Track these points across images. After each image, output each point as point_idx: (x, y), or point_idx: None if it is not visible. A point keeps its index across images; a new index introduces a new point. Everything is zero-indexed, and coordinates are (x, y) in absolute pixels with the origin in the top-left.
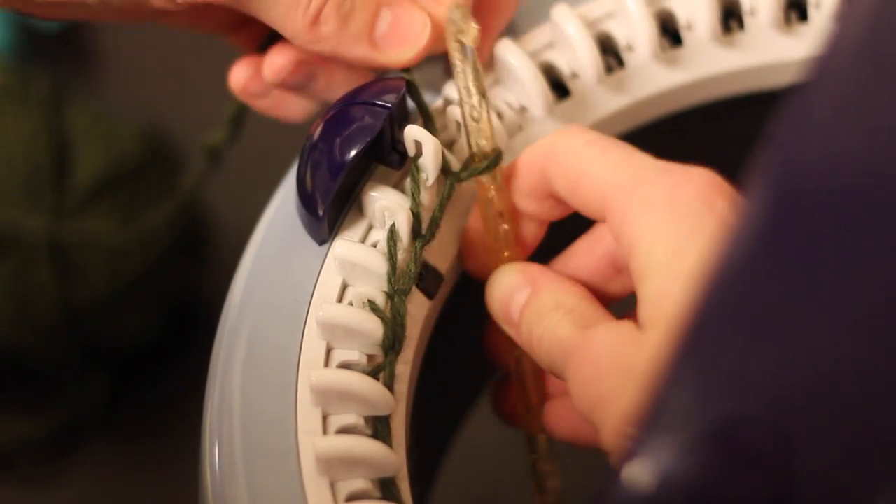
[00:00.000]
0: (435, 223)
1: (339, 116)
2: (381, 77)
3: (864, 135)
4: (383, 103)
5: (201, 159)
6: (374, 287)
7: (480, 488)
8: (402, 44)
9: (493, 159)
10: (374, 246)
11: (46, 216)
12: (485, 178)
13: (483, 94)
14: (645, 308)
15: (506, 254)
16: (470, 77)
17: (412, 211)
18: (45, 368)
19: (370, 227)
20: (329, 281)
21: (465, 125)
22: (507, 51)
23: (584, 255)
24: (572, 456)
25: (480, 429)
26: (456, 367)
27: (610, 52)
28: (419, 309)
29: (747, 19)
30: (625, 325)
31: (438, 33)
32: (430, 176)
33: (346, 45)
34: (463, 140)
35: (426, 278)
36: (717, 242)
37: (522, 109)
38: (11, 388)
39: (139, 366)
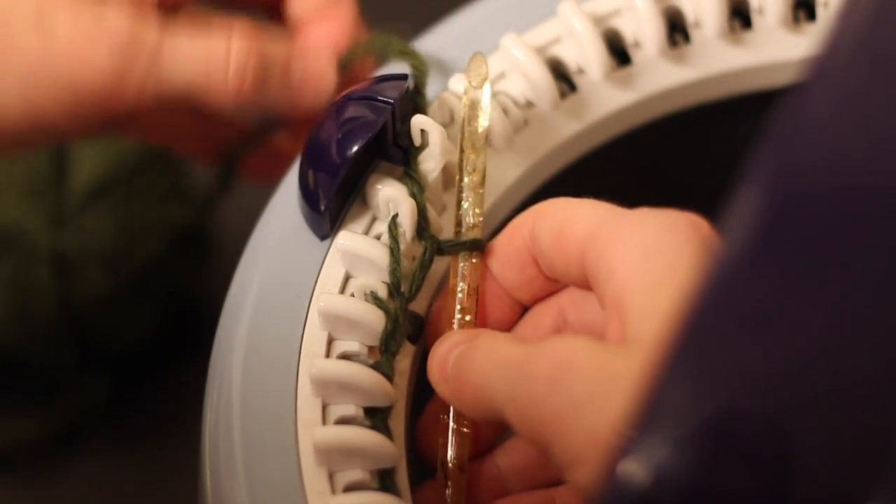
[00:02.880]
0: (416, 285)
1: (341, 111)
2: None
3: (862, 134)
4: (386, 98)
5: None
6: (377, 279)
7: None
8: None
9: (477, 242)
10: (378, 238)
11: (46, 216)
12: (463, 263)
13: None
14: (632, 323)
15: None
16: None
17: (416, 202)
18: (44, 368)
19: (374, 220)
20: (332, 272)
21: (459, 199)
22: (514, 45)
23: (526, 329)
24: None
25: None
26: None
27: (617, 49)
28: (421, 304)
29: (755, 17)
30: (583, 337)
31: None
32: (436, 166)
33: None
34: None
35: (409, 324)
36: (706, 261)
37: (528, 104)
38: (11, 389)
39: (139, 366)
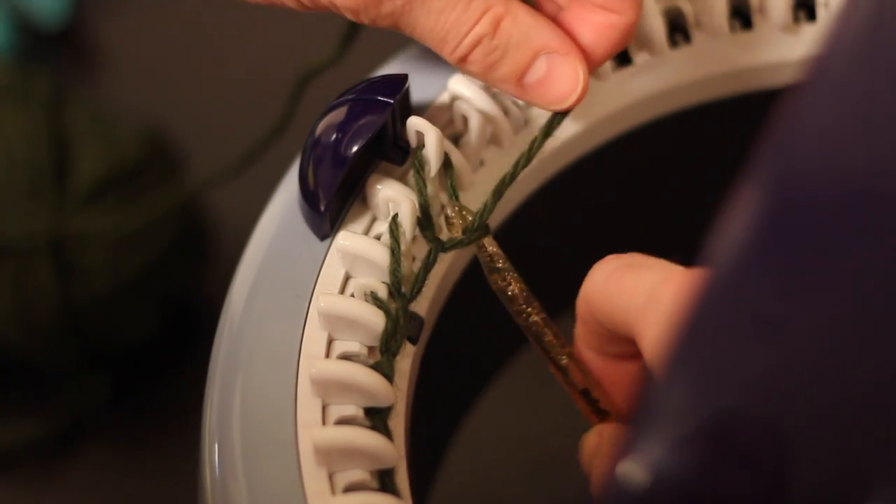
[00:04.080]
0: (418, 286)
1: (341, 112)
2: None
3: (862, 135)
4: (386, 99)
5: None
6: (377, 279)
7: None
8: (551, 96)
9: (478, 229)
10: (378, 238)
11: (46, 216)
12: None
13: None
14: None
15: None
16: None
17: (418, 203)
18: (45, 368)
19: (374, 220)
20: (331, 272)
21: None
22: None
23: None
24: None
25: (481, 428)
26: (457, 366)
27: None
28: (422, 304)
29: (756, 18)
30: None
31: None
32: (432, 168)
33: (492, 80)
34: (469, 135)
35: (409, 325)
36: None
37: (527, 105)
38: (11, 388)
39: (139, 365)
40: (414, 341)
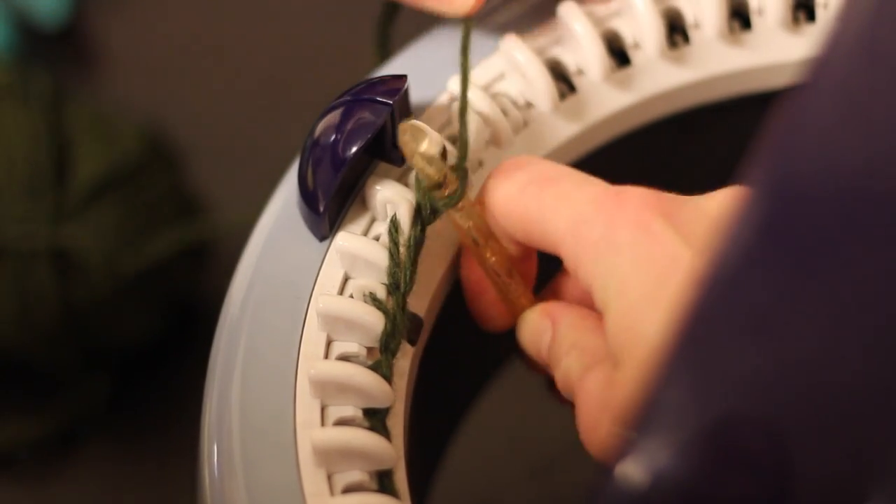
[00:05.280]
0: (410, 275)
1: (340, 113)
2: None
3: (862, 136)
4: (385, 100)
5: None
6: (376, 280)
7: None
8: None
9: (456, 194)
10: (377, 239)
11: (46, 216)
12: (461, 220)
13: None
14: (611, 347)
15: (523, 301)
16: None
17: (416, 203)
18: (45, 368)
19: (373, 221)
20: (330, 273)
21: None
22: (513, 46)
23: (567, 288)
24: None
25: (481, 428)
26: (457, 366)
27: (616, 50)
28: (420, 305)
29: (755, 19)
30: (605, 370)
31: None
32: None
33: None
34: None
35: (408, 326)
36: (663, 263)
37: (527, 105)
38: (12, 388)
39: (139, 366)
40: (413, 342)
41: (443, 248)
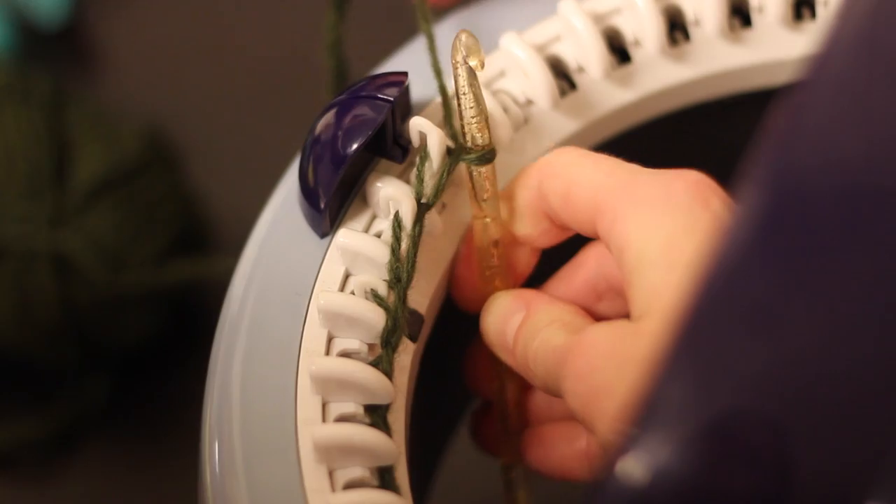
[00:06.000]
0: (410, 270)
1: (341, 110)
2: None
3: (861, 132)
4: (385, 97)
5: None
6: (377, 276)
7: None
8: None
9: (489, 151)
10: (378, 236)
11: (46, 216)
12: (476, 174)
13: (482, 105)
14: (639, 300)
15: (497, 283)
16: (470, 96)
17: (418, 200)
18: (45, 368)
19: (374, 218)
20: (331, 270)
21: (462, 119)
22: (513, 43)
23: (565, 283)
24: (548, 489)
25: None
26: (459, 362)
27: (617, 47)
28: (421, 302)
29: (755, 16)
30: (618, 322)
31: None
32: (434, 165)
33: None
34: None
35: (409, 322)
36: (713, 237)
37: (528, 102)
38: (12, 389)
39: (139, 366)
40: (414, 339)
41: (445, 245)
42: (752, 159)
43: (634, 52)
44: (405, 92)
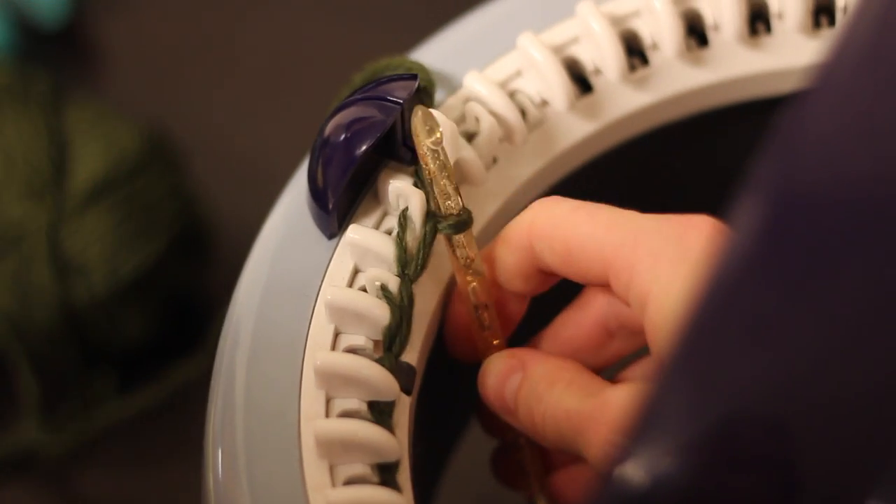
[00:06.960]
0: (419, 264)
1: (350, 112)
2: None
3: (866, 143)
4: (395, 99)
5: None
6: (385, 272)
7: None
8: None
9: (465, 218)
10: (389, 233)
11: (46, 216)
12: (455, 241)
13: (450, 173)
14: (662, 348)
15: (495, 342)
16: (438, 175)
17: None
18: (45, 369)
19: (385, 215)
20: (340, 266)
21: (434, 189)
22: (530, 44)
23: (574, 323)
24: None
25: None
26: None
27: (635, 50)
28: (428, 302)
29: (774, 22)
30: (639, 385)
31: None
32: (416, 230)
33: None
34: (481, 134)
35: (401, 376)
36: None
37: (544, 103)
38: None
39: (140, 366)
40: (408, 392)
41: (412, 341)
42: (755, 168)
43: (652, 56)
44: (416, 94)
